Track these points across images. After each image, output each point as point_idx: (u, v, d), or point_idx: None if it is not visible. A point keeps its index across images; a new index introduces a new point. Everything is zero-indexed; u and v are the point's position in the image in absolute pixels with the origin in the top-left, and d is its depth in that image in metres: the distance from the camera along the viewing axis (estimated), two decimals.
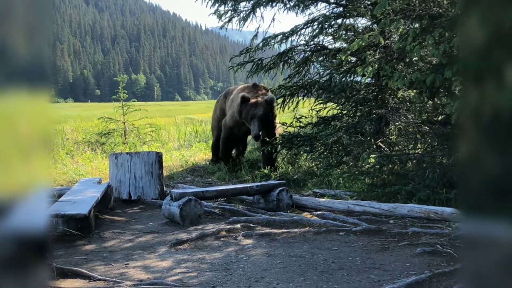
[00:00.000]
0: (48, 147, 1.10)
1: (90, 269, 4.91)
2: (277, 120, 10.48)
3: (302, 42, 10.00)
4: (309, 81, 10.20)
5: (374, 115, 9.05)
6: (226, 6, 9.99)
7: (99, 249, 5.76)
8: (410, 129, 8.74)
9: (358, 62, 9.06)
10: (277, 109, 10.59)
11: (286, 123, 10.80)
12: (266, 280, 4.52)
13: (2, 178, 0.99)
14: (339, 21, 9.66)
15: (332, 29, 9.78)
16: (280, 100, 10.49)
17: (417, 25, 7.00)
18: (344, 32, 10.01)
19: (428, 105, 8.05)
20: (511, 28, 0.79)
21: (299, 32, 9.67)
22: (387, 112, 8.98)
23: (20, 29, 1.02)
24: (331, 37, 10.13)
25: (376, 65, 8.03)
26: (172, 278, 4.66)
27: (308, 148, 9.69)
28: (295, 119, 10.22)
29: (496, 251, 0.81)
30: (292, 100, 10.50)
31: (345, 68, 9.26)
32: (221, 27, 10.31)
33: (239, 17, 10.01)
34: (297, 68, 10.24)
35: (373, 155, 7.70)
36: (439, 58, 6.22)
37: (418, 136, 8.49)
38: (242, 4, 9.97)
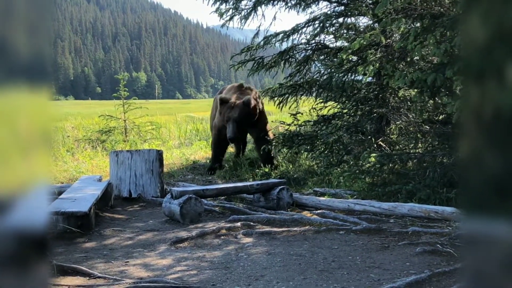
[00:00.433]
0: (48, 145, 1.10)
1: (90, 267, 4.91)
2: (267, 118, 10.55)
3: (303, 41, 9.99)
4: (310, 79, 10.19)
5: (375, 114, 9.05)
6: (227, 4, 9.98)
7: (99, 246, 5.77)
8: (411, 129, 8.74)
9: (359, 61, 9.04)
10: (278, 108, 10.60)
11: (284, 122, 10.80)
12: (266, 278, 4.52)
13: (2, 175, 0.99)
14: (341, 20, 9.65)
15: (333, 28, 9.77)
16: (280, 99, 10.48)
17: (418, 24, 6.99)
18: (345, 31, 10.00)
19: (429, 105, 8.05)
20: None
21: (300, 31, 9.65)
22: (388, 111, 8.98)
23: (21, 26, 1.02)
24: (332, 36, 10.12)
25: (377, 64, 8.02)
26: (172, 276, 4.66)
27: (308, 147, 9.68)
28: (292, 116, 10.22)
29: (497, 250, 0.81)
30: (293, 98, 10.50)
31: (346, 67, 9.25)
32: (222, 26, 10.30)
33: (240, 15, 10.00)
34: (298, 67, 10.23)
35: (374, 154, 7.70)
36: (440, 58, 6.22)
37: (418, 135, 8.48)
38: (244, 2, 9.96)
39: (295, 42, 10.03)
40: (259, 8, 9.95)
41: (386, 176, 7.75)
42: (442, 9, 6.94)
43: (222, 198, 7.98)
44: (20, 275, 1.00)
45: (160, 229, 6.51)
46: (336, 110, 10.21)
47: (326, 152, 9.44)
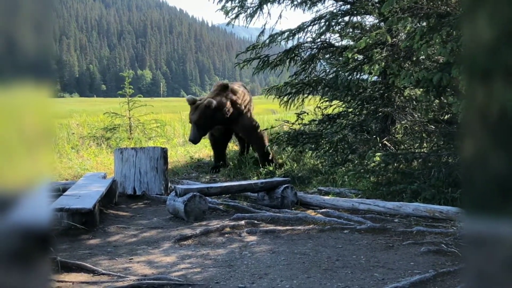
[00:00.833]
0: (51, 142, 1.10)
1: (94, 263, 4.92)
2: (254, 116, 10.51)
3: (308, 39, 9.99)
4: (315, 78, 10.18)
5: (380, 114, 9.03)
6: (233, 2, 9.97)
7: (103, 243, 5.78)
8: (416, 128, 8.72)
9: (365, 60, 9.03)
10: (283, 107, 10.60)
11: (288, 121, 10.79)
12: (270, 276, 4.52)
13: (8, 171, 0.99)
14: (346, 18, 9.64)
15: (339, 27, 9.76)
16: (285, 98, 10.48)
17: (424, 23, 6.98)
18: (351, 30, 9.99)
19: (434, 104, 8.03)
20: None
21: (306, 29, 9.65)
22: (393, 111, 8.96)
23: (27, 22, 1.02)
24: (338, 35, 10.11)
25: (383, 63, 8.01)
26: (176, 274, 4.66)
27: (313, 146, 9.68)
28: (296, 115, 10.22)
29: (501, 251, 0.81)
30: (297, 97, 10.49)
31: (351, 66, 9.24)
32: (228, 24, 10.30)
33: (246, 13, 10.00)
34: (303, 65, 10.23)
35: (379, 154, 7.68)
36: (446, 57, 6.20)
37: (424, 135, 8.47)
38: (249, 0, 9.96)
39: (301, 40, 10.04)
40: (265, 6, 9.95)
41: (391, 176, 7.73)
42: (448, 8, 6.92)
43: (226, 196, 7.99)
44: (24, 272, 1.00)
45: (164, 227, 6.52)
46: (341, 109, 10.20)
47: (330, 151, 9.43)
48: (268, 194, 7.58)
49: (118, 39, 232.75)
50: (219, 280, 4.46)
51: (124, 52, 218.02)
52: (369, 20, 10.12)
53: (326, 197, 7.57)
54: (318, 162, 10.03)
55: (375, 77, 9.24)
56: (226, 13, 10.04)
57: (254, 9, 9.95)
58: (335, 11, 9.52)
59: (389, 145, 8.73)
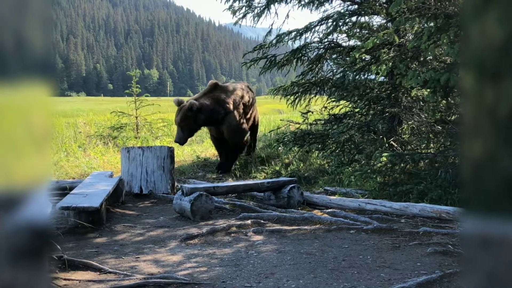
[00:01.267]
0: (51, 140, 1.11)
1: (101, 262, 4.94)
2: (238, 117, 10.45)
3: (316, 39, 9.99)
4: (322, 78, 10.18)
5: (387, 114, 9.02)
6: (240, 2, 9.98)
7: (110, 242, 5.79)
8: (423, 128, 8.70)
9: (372, 60, 9.03)
10: (290, 106, 10.59)
11: (293, 121, 10.78)
12: (276, 276, 4.52)
13: (17, 169, 1.00)
14: (354, 18, 9.63)
15: (347, 27, 9.76)
16: (292, 97, 10.48)
17: (432, 23, 6.96)
18: (358, 30, 9.98)
19: (441, 105, 8.01)
20: None
21: (313, 29, 9.64)
22: (400, 111, 8.95)
23: (34, 20, 1.03)
24: (345, 35, 10.11)
25: (390, 64, 7.99)
26: (183, 273, 4.67)
27: (319, 146, 9.68)
28: (302, 114, 10.22)
29: (510, 252, 0.81)
30: (304, 97, 10.49)
31: (358, 66, 9.23)
32: (235, 23, 10.31)
33: (253, 13, 10.01)
34: (310, 65, 10.22)
35: (385, 154, 7.67)
36: (453, 57, 6.19)
37: (431, 135, 8.45)
38: (257, 0, 9.97)
39: (308, 40, 10.04)
40: (272, 6, 9.96)
41: (397, 176, 7.72)
42: (456, 9, 6.90)
43: (232, 195, 7.99)
44: (29, 269, 1.01)
45: (171, 226, 6.53)
46: (348, 109, 10.19)
47: (337, 151, 9.42)
48: (274, 193, 7.58)
49: (125, 38, 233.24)
50: (225, 280, 4.47)
51: (131, 51, 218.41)
52: (377, 20, 10.13)
53: (332, 197, 7.57)
54: (325, 162, 10.02)
55: (382, 77, 9.23)
56: (234, 12, 10.05)
57: (261, 9, 9.95)
58: (342, 11, 9.52)
59: (395, 145, 8.72)
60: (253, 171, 10.30)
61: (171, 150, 8.74)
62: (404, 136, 9.10)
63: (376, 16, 9.78)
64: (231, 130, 10.31)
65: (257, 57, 10.35)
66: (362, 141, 9.14)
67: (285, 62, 10.17)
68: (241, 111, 10.51)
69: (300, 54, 10.07)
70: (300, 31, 9.71)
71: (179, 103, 10.06)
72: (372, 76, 9.50)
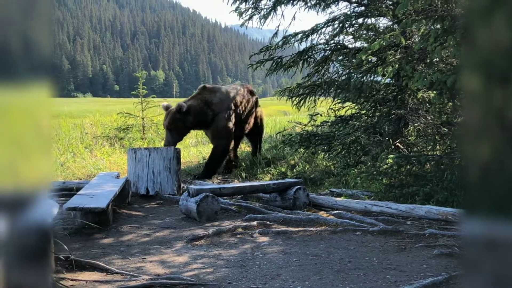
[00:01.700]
0: (52, 141, 1.12)
1: (107, 262, 4.96)
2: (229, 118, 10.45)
3: (322, 41, 9.98)
4: (328, 80, 10.17)
5: (393, 116, 9.01)
6: (247, 3, 9.99)
7: (116, 242, 5.81)
8: (429, 130, 8.69)
9: (378, 62, 9.02)
10: (296, 108, 10.59)
11: (301, 122, 10.78)
12: (282, 277, 4.53)
13: (26, 170, 1.01)
14: (360, 20, 9.63)
15: (353, 29, 9.75)
16: (298, 99, 10.48)
17: (438, 25, 6.95)
18: (365, 32, 9.96)
19: (448, 107, 7.99)
20: None
21: (319, 31, 9.64)
22: (406, 113, 8.94)
23: (42, 22, 1.04)
24: (351, 37, 10.09)
25: (397, 65, 7.98)
26: (189, 274, 4.68)
27: (325, 147, 9.67)
28: (309, 116, 10.21)
29: None
30: (310, 98, 10.48)
31: (365, 67, 9.22)
32: (242, 25, 10.32)
33: (259, 14, 10.01)
34: (316, 67, 10.22)
35: (391, 156, 7.66)
36: (460, 59, 6.17)
37: (437, 137, 8.43)
38: (263, 2, 9.98)
39: (314, 42, 10.03)
40: (278, 8, 9.96)
41: (403, 178, 7.71)
42: (462, 11, 6.88)
43: (238, 196, 8.00)
44: (37, 268, 1.02)
45: (177, 227, 6.55)
46: (354, 110, 10.18)
47: (343, 152, 9.42)
48: (280, 195, 7.59)
49: (132, 39, 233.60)
50: (231, 281, 4.47)
51: (138, 52, 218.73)
52: (383, 22, 10.10)
53: (338, 199, 7.56)
54: (331, 163, 10.02)
55: (389, 79, 9.20)
56: (240, 14, 10.05)
57: (268, 10, 9.96)
58: (349, 13, 9.50)
59: (401, 147, 8.70)
60: (259, 173, 10.31)
61: (177, 151, 8.76)
62: (410, 138, 9.08)
63: (382, 18, 9.77)
64: (217, 131, 10.36)
65: (263, 58, 10.36)
66: (368, 143, 9.13)
67: (291, 63, 10.17)
68: (232, 112, 10.49)
69: (306, 56, 10.07)
70: (306, 33, 9.71)
71: (166, 108, 10.15)
72: (378, 78, 9.49)
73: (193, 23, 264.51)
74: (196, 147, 14.14)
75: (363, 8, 9.68)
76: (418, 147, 8.83)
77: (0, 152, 0.90)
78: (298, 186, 7.53)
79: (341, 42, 10.09)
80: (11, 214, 0.93)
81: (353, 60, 9.74)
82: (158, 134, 15.27)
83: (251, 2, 9.96)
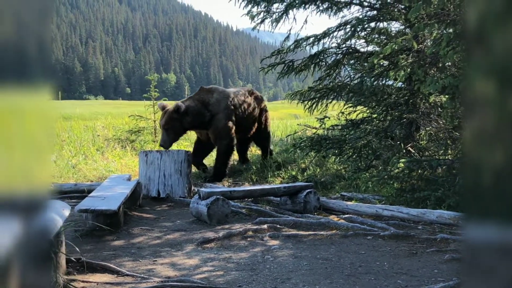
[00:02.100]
0: (52, 144, 1.12)
1: (118, 264, 4.98)
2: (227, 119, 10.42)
3: (334, 45, 9.97)
4: (339, 83, 10.16)
5: (405, 120, 8.98)
6: (259, 7, 10.00)
7: (127, 245, 5.83)
8: (441, 135, 8.65)
9: (390, 66, 9.00)
10: (307, 111, 10.58)
11: (311, 126, 10.76)
12: (292, 281, 4.52)
13: (40, 173, 1.01)
14: (372, 24, 9.61)
15: (365, 32, 9.73)
16: (309, 103, 10.47)
17: (451, 30, 6.93)
18: (377, 36, 9.94)
19: (460, 111, 7.95)
20: None
21: (331, 35, 9.64)
22: (418, 117, 8.91)
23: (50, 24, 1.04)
24: (363, 40, 10.08)
25: (409, 70, 7.96)
26: (199, 276, 4.69)
27: (336, 151, 9.65)
28: (318, 120, 10.20)
29: None
30: (321, 102, 10.47)
31: (377, 71, 9.21)
32: (253, 28, 10.33)
33: (271, 18, 10.02)
34: (328, 71, 10.21)
35: (403, 160, 7.63)
36: (470, 64, 6.15)
37: (448, 141, 8.40)
38: (275, 5, 9.98)
39: (326, 46, 10.02)
40: (290, 11, 9.96)
41: (415, 182, 7.68)
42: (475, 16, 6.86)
43: (249, 200, 8.00)
44: (45, 272, 1.03)
45: (188, 229, 6.56)
46: (365, 114, 10.15)
47: (354, 156, 9.40)
48: (290, 198, 7.58)
49: (144, 42, 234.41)
50: (242, 284, 4.48)
51: (149, 55, 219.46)
52: (395, 26, 10.08)
53: (349, 203, 7.55)
54: (341, 167, 10.00)
55: (400, 83, 9.18)
56: (252, 18, 10.07)
57: (279, 14, 9.96)
58: (361, 17, 9.49)
59: (413, 151, 8.67)
60: (269, 176, 10.30)
61: (188, 154, 8.79)
62: (422, 142, 9.05)
63: (394, 22, 9.75)
64: (218, 132, 10.36)
65: (275, 62, 10.37)
66: (379, 147, 9.10)
67: (303, 67, 10.17)
68: (231, 112, 10.50)
69: (318, 60, 10.06)
70: (318, 37, 9.71)
71: (163, 108, 10.17)
72: (390, 82, 9.46)
73: (205, 26, 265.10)
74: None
75: (375, 12, 9.67)
76: (430, 152, 8.80)
77: (14, 155, 0.91)
78: (308, 190, 7.52)
79: (353, 46, 10.08)
80: (25, 216, 0.94)
81: (365, 64, 9.73)
82: None
83: (263, 6, 9.98)
